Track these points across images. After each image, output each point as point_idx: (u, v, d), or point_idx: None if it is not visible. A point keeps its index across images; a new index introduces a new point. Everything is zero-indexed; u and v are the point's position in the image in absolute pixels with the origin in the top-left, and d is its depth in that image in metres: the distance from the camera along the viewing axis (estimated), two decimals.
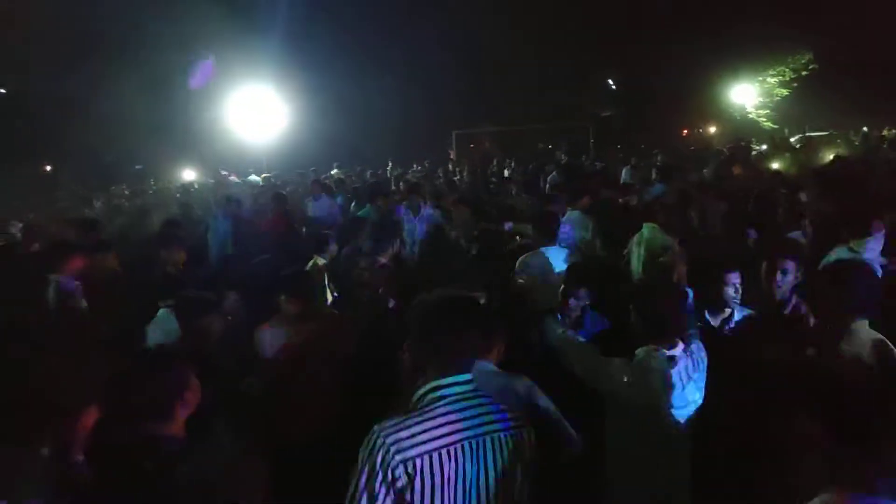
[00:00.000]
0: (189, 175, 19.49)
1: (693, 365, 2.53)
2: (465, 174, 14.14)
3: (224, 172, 17.67)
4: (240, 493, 1.90)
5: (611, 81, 27.01)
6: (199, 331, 3.71)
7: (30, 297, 4.97)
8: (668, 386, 2.44)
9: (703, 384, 2.58)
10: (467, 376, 1.94)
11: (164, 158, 20.32)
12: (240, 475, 1.95)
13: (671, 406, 2.46)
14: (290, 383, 3.44)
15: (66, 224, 7.18)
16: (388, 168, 17.02)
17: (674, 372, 2.45)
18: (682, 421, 2.50)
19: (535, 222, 4.86)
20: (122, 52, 17.87)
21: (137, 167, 21.02)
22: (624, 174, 10.97)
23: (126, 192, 14.90)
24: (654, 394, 2.44)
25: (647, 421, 2.47)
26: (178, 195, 13.37)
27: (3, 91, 25.16)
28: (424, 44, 22.55)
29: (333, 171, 15.32)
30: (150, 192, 15.78)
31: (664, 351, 2.47)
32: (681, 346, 2.51)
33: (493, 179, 11.56)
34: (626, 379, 2.48)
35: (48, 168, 21.73)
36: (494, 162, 15.99)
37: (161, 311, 4.03)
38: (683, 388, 2.48)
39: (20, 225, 8.97)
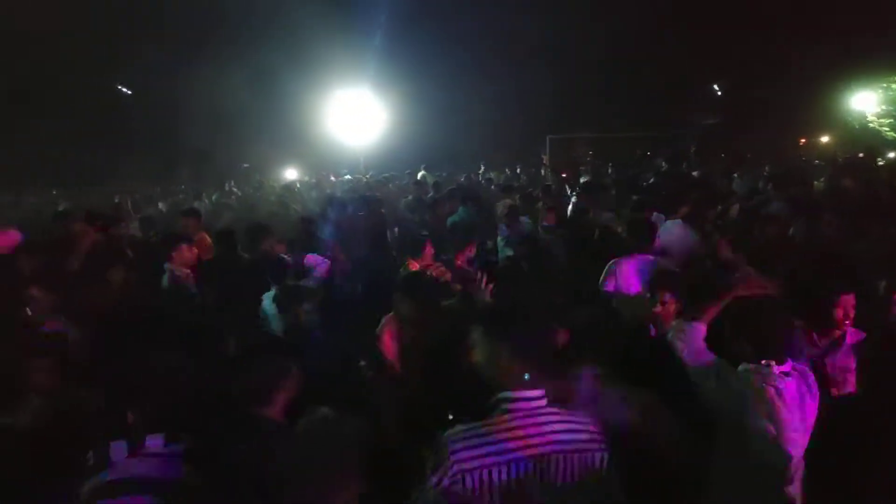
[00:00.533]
0: (291, 174, 20.47)
1: (807, 386, 2.37)
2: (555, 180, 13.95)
3: (324, 173, 18.42)
4: (335, 478, 1.96)
5: (716, 87, 25.80)
6: (295, 318, 3.92)
7: (149, 285, 5.46)
8: (779, 403, 2.28)
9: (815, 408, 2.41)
10: (539, 392, 1.91)
11: (269, 158, 21.47)
12: (337, 460, 2.00)
13: (787, 427, 2.29)
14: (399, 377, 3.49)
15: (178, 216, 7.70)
16: (481, 171, 17.05)
17: (784, 389, 2.29)
18: (795, 443, 2.32)
19: (631, 230, 4.73)
20: (233, 56, 18.98)
21: (245, 165, 22.28)
22: (734, 184, 10.52)
23: (234, 189, 15.85)
24: (750, 409, 2.29)
25: (744, 438, 2.31)
26: (280, 193, 14.05)
27: (129, 92, 27.69)
28: (522, 48, 22.51)
29: (420, 174, 15.53)
30: (256, 189, 16.67)
31: (772, 367, 2.32)
32: (790, 363, 2.36)
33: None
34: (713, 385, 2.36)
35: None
36: (588, 168, 15.63)
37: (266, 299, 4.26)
38: (798, 409, 2.31)
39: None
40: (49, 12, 17.52)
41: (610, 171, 15.23)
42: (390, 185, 14.24)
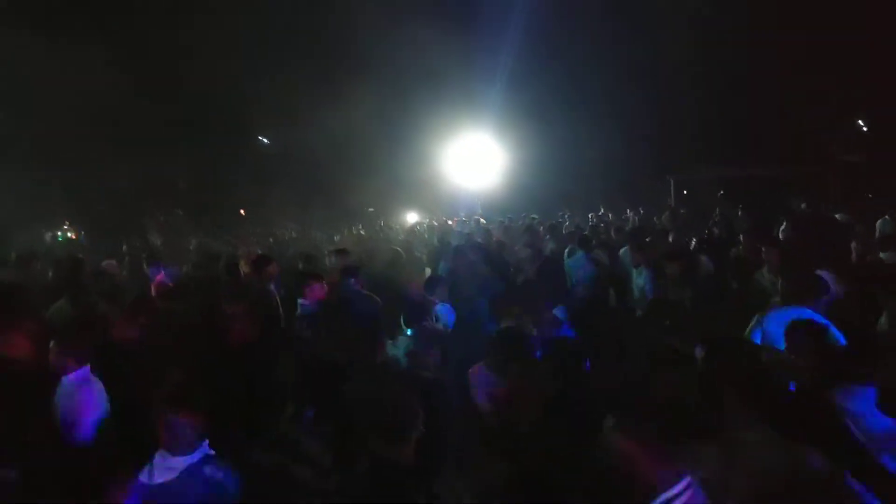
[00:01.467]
0: (412, 217, 21.31)
1: None
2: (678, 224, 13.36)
3: (444, 218, 18.98)
4: None
5: (861, 122, 23.87)
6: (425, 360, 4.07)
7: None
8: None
9: None
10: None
11: (392, 202, 22.52)
12: None
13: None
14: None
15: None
16: (599, 214, 16.78)
17: None
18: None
19: (788, 280, 4.46)
20: (360, 106, 20.16)
21: (370, 209, 23.46)
22: (880, 225, 9.68)
23: (361, 231, 16.75)
24: None
25: None
26: (402, 236, 14.66)
27: (266, 141, 30.40)
28: (646, 83, 22.06)
29: (532, 217, 15.53)
30: (380, 231, 17.50)
31: None
32: None
33: (715, 230, 10.77)
34: None
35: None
36: (717, 211, 14.89)
37: (402, 335, 4.46)
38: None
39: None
40: (202, 70, 19.56)
41: (740, 213, 14.46)
42: (507, 228, 14.38)
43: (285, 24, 20.18)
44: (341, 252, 7.73)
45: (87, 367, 3.62)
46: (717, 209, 15.34)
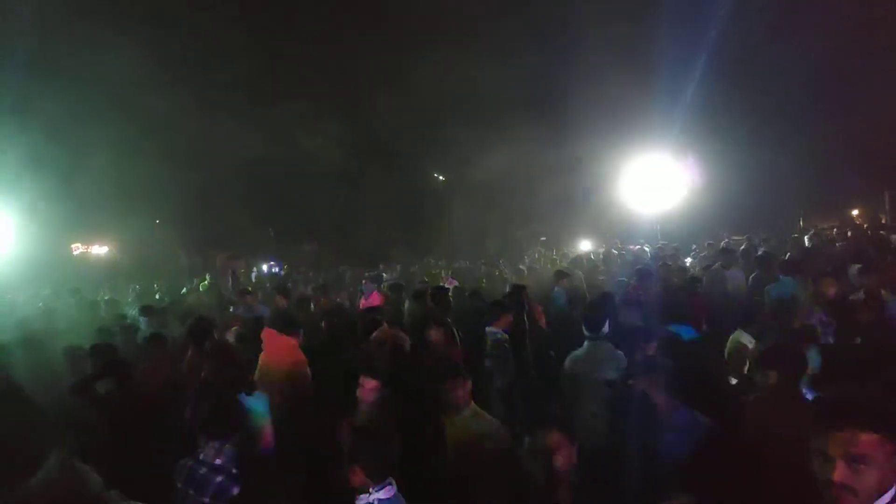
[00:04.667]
0: (586, 245, 20.87)
1: None
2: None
3: (620, 245, 18.31)
4: None
5: None
6: None
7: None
8: None
9: None
10: None
11: (565, 230, 22.30)
12: None
13: None
14: None
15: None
16: (794, 236, 15.05)
17: None
18: None
19: None
20: (531, 136, 20.37)
21: (542, 238, 23.43)
22: None
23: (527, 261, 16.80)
24: None
25: None
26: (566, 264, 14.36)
27: (442, 178, 31.89)
28: (846, 86, 19.73)
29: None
30: (548, 261, 17.37)
31: None
32: None
33: None
34: None
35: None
36: None
37: None
38: None
39: None
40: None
41: None
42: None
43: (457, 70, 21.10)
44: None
45: None
46: None
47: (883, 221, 18.18)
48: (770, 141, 19.99)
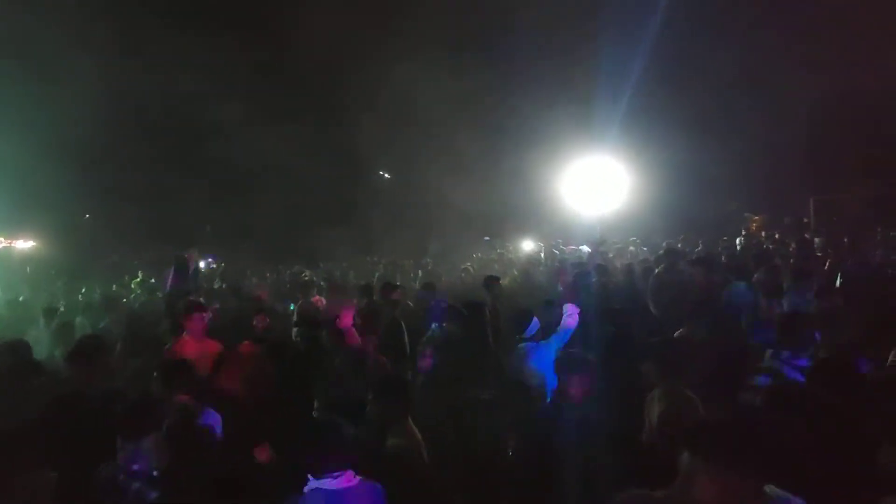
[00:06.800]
0: (528, 245, 21.02)
1: None
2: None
3: (563, 246, 18.45)
4: None
5: None
6: None
7: None
8: None
9: None
10: None
11: (508, 230, 22.44)
12: None
13: None
14: None
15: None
16: (739, 240, 15.46)
17: None
18: None
19: None
20: (476, 140, 20.47)
21: (486, 238, 23.47)
22: None
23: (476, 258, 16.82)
24: None
25: None
26: (519, 263, 14.48)
27: (387, 176, 31.72)
28: (779, 93, 20.42)
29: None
30: (495, 259, 17.44)
31: None
32: None
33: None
34: None
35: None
36: (878, 232, 13.31)
37: None
38: None
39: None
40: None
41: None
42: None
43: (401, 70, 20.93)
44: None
45: None
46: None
47: (808, 224, 19.05)
48: (708, 144, 20.54)
